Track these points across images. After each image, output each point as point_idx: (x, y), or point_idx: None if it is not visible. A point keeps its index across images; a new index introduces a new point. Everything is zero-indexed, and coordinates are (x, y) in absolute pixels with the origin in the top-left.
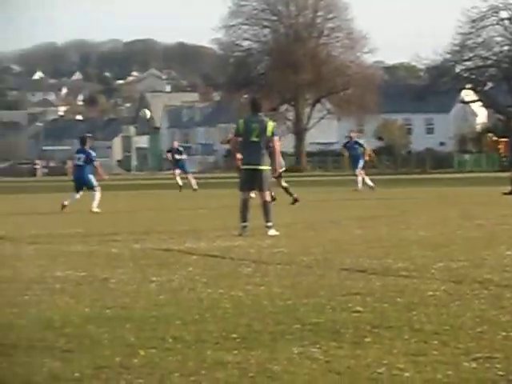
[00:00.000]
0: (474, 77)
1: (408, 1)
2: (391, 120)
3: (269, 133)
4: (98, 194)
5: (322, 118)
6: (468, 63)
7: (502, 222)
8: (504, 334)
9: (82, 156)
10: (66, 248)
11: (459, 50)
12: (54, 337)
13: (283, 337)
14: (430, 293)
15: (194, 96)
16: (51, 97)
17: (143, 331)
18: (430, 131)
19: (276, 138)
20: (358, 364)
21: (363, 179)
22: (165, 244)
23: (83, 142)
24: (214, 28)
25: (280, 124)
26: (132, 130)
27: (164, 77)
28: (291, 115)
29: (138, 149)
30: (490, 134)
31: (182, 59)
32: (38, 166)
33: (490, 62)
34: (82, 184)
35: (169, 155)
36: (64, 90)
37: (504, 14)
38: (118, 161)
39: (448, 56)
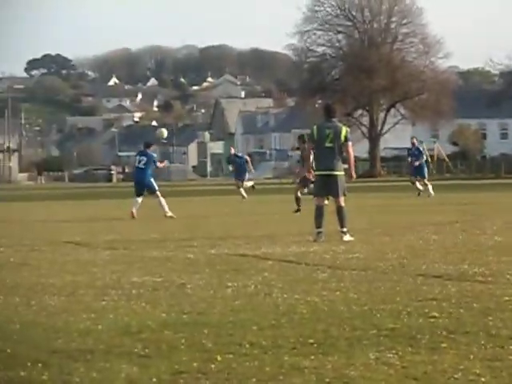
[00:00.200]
0: None
1: (482, 6)
2: (465, 125)
3: (343, 138)
4: (162, 199)
5: (396, 123)
6: None
7: None
8: None
9: (144, 158)
10: (143, 253)
11: None
12: (131, 342)
13: (360, 342)
14: (506, 298)
15: (269, 102)
16: (126, 103)
17: (220, 336)
18: (504, 136)
19: (350, 144)
20: (434, 369)
21: (416, 184)
22: (240, 249)
23: (147, 146)
24: (289, 34)
25: (354, 129)
26: (207, 135)
27: (239, 82)
28: (365, 120)
29: (213, 154)
30: None
31: (257, 65)
32: (113, 172)
33: None
34: (142, 187)
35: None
36: (139, 96)
37: None
38: (193, 167)
39: None
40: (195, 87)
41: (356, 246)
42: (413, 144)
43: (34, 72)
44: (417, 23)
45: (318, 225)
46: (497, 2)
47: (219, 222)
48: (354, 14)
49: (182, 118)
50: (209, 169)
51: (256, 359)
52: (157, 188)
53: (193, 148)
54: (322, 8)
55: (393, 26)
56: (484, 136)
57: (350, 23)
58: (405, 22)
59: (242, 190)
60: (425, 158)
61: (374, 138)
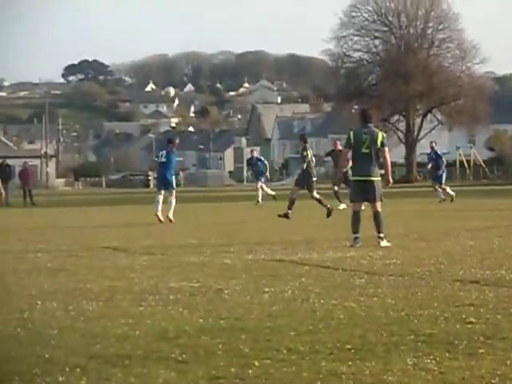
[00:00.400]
0: None
1: None
2: (502, 130)
3: (379, 144)
4: (173, 201)
5: (432, 128)
6: None
7: None
8: None
9: (164, 152)
10: (180, 259)
11: None
12: (169, 347)
13: (397, 348)
14: None
15: (305, 107)
16: (163, 108)
17: (257, 342)
18: None
19: (386, 149)
20: (472, 375)
21: (440, 189)
22: (277, 255)
23: (171, 141)
24: (325, 39)
25: (391, 135)
26: (243, 141)
27: (275, 88)
28: (402, 126)
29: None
30: None
31: (293, 70)
32: (150, 178)
33: None
34: (163, 181)
35: (250, 172)
36: (176, 102)
37: None
38: (230, 172)
39: None
40: (232, 93)
41: (393, 251)
42: (431, 148)
43: (72, 78)
44: (453, 28)
45: (355, 230)
46: None
47: (256, 227)
48: (390, 19)
49: (218, 124)
50: (245, 174)
51: (293, 365)
52: (174, 187)
53: (229, 153)
54: (359, 13)
55: (429, 31)
56: None
57: (386, 28)
58: (441, 27)
59: (260, 193)
60: (444, 162)
61: (410, 143)
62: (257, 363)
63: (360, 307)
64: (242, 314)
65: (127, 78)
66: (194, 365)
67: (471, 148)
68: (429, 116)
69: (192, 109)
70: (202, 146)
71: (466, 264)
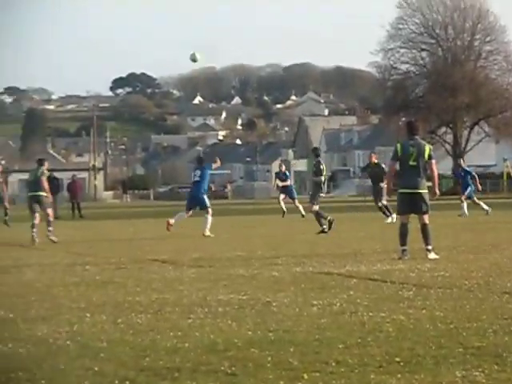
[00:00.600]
0: None
1: None
2: None
3: (426, 156)
4: (210, 218)
5: (480, 140)
6: None
7: None
8: None
9: (198, 172)
10: (228, 271)
11: None
12: (218, 360)
13: (446, 360)
14: None
15: (352, 119)
16: (211, 121)
17: (306, 355)
18: None
19: (433, 162)
20: None
21: (480, 203)
22: (325, 267)
23: (200, 161)
24: (372, 52)
25: (438, 147)
26: (290, 153)
27: (322, 100)
28: (449, 138)
29: (297, 172)
30: None
31: (340, 83)
32: None
33: None
34: (194, 202)
35: (278, 182)
36: (223, 115)
37: None
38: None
39: None
40: (279, 105)
41: (441, 263)
42: (459, 166)
43: (119, 91)
44: (500, 41)
45: (403, 242)
46: None
47: (303, 239)
48: (437, 31)
49: (265, 136)
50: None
51: (342, 377)
52: (209, 205)
53: (276, 166)
54: (406, 26)
55: (476, 43)
56: None
57: (433, 41)
58: (488, 39)
59: (300, 206)
60: (475, 177)
61: (457, 155)
62: (306, 376)
63: (408, 320)
64: (290, 327)
65: (175, 91)
66: (243, 377)
67: (505, 160)
68: (476, 128)
69: (239, 121)
70: (249, 159)
71: None
